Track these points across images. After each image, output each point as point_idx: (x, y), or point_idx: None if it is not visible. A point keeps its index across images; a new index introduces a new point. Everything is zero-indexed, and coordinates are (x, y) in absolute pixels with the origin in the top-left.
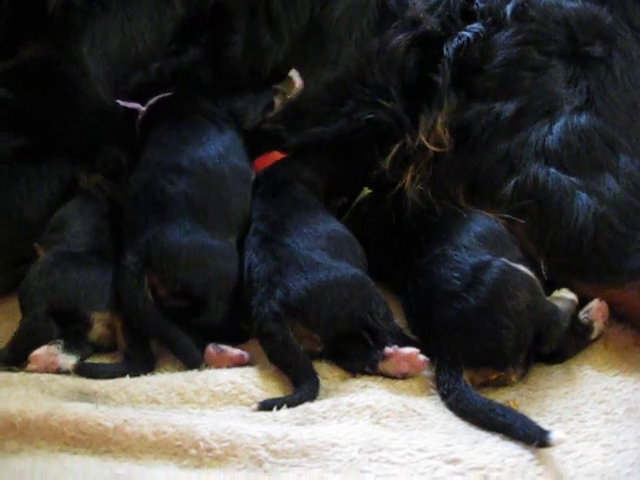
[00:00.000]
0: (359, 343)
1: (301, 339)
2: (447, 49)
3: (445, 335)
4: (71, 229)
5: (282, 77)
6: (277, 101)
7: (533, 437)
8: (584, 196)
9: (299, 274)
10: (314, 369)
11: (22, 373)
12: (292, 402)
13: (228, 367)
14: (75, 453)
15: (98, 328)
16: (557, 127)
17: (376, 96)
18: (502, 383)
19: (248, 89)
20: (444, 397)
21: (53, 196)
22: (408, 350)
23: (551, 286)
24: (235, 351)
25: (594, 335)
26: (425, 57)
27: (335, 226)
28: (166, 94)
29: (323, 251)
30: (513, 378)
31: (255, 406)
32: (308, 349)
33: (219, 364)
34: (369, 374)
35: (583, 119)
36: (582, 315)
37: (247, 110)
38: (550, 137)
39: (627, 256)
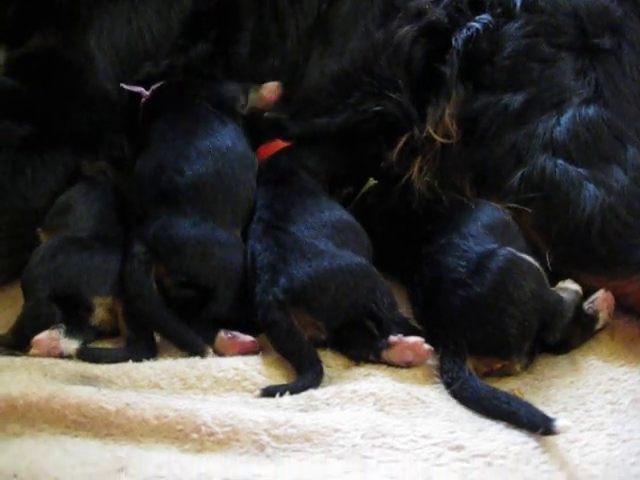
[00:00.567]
0: (363, 332)
1: (305, 327)
2: (455, 40)
3: (449, 323)
4: (75, 214)
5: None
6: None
7: (538, 425)
8: (592, 187)
9: (303, 262)
10: (318, 357)
11: (24, 357)
12: (295, 389)
13: (239, 354)
14: (76, 436)
15: (100, 313)
16: (565, 119)
17: (383, 88)
18: (506, 372)
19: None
20: (448, 385)
21: (57, 184)
22: (413, 339)
23: (556, 278)
24: (247, 337)
25: (599, 325)
26: (432, 48)
27: (340, 214)
28: (168, 81)
29: (328, 239)
30: (517, 367)
31: (258, 392)
32: (312, 337)
33: (231, 350)
34: (373, 362)
35: (591, 111)
36: (587, 305)
37: (235, 96)
38: (558, 129)
39: (634, 247)
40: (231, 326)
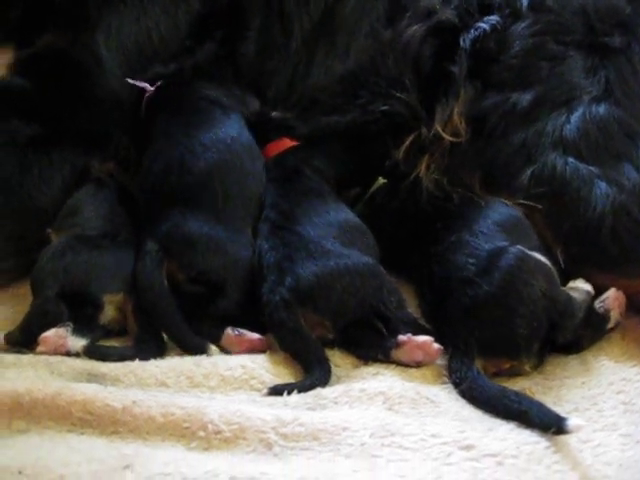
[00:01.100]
0: (372, 331)
1: (312, 326)
2: (463, 40)
3: (458, 322)
4: (84, 214)
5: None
6: None
7: (550, 424)
8: (603, 185)
9: (309, 261)
10: (326, 355)
11: (31, 355)
12: (303, 387)
13: (247, 351)
14: (82, 433)
15: (109, 311)
16: (575, 117)
17: (390, 87)
18: (516, 372)
19: None
20: (457, 385)
21: (65, 184)
22: (422, 338)
23: (567, 277)
24: (254, 335)
25: (610, 324)
26: (441, 47)
27: (347, 215)
28: (171, 79)
29: (334, 239)
30: (527, 367)
31: (265, 391)
32: (320, 336)
33: (238, 347)
34: (382, 362)
35: (602, 109)
36: (598, 304)
37: (247, 99)
38: (568, 126)
39: None
40: (239, 324)
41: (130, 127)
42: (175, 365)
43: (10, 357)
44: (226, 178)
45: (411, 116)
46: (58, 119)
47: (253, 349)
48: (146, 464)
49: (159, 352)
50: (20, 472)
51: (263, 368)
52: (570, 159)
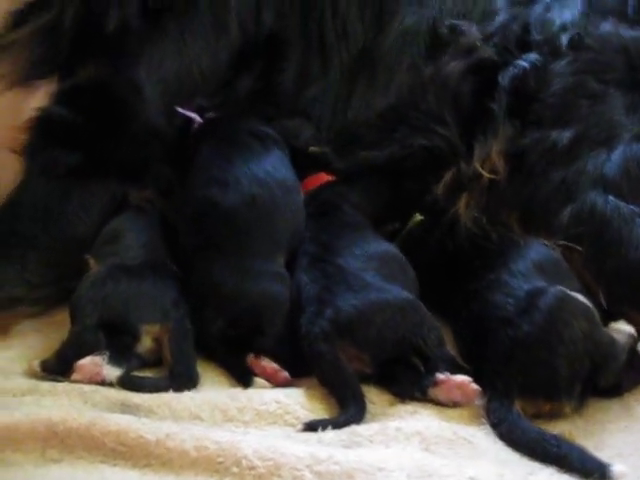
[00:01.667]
0: (409, 368)
1: (350, 360)
2: (503, 78)
3: (497, 362)
4: (124, 242)
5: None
6: None
7: (592, 470)
8: None
9: (350, 293)
10: (362, 391)
11: (66, 383)
12: (338, 424)
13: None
14: (115, 465)
15: (146, 341)
16: (615, 155)
17: (430, 122)
18: (556, 415)
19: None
20: (495, 426)
21: (104, 212)
22: (460, 378)
23: (608, 318)
24: (274, 365)
25: None
26: (480, 84)
27: (387, 247)
28: (215, 114)
29: (375, 272)
30: (567, 410)
31: (300, 426)
32: (357, 371)
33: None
34: (418, 400)
35: None
36: None
37: (300, 130)
38: (608, 165)
39: None
40: (279, 359)
41: (170, 158)
42: (209, 398)
43: (46, 385)
44: (252, 213)
45: (451, 151)
46: (98, 149)
47: (286, 384)
48: None
49: (193, 384)
50: None
51: (298, 403)
52: (610, 198)
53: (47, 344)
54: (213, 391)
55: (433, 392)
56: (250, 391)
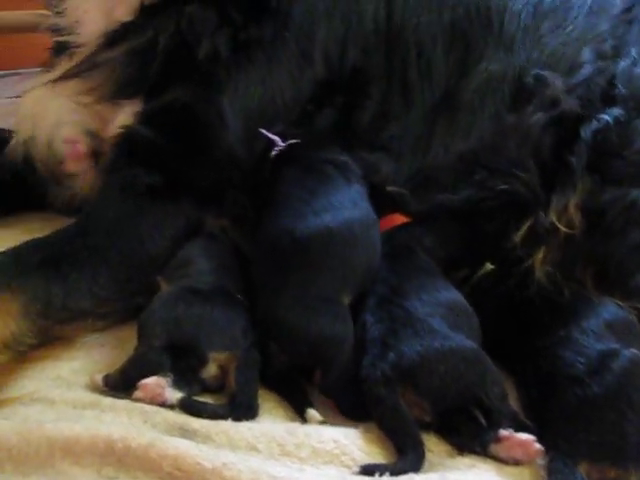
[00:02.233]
0: (470, 420)
1: (410, 407)
2: (585, 131)
3: (563, 422)
4: (196, 267)
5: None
6: None
7: None
8: None
9: (414, 339)
10: (421, 439)
11: (127, 401)
12: (395, 470)
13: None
14: None
15: (212, 367)
16: None
17: (511, 167)
18: None
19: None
20: None
21: (178, 234)
22: (524, 436)
23: None
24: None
25: None
26: (561, 137)
27: (455, 296)
28: (303, 140)
29: (442, 319)
30: (633, 479)
31: (356, 469)
32: (416, 418)
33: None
34: (477, 454)
35: None
36: None
37: (379, 166)
38: None
39: None
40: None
41: (247, 186)
42: (267, 430)
43: (107, 400)
44: (329, 247)
45: (530, 197)
46: (178, 171)
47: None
48: None
49: (252, 414)
50: None
51: (355, 445)
52: None
53: (111, 359)
54: (270, 423)
55: (494, 448)
56: (308, 427)
